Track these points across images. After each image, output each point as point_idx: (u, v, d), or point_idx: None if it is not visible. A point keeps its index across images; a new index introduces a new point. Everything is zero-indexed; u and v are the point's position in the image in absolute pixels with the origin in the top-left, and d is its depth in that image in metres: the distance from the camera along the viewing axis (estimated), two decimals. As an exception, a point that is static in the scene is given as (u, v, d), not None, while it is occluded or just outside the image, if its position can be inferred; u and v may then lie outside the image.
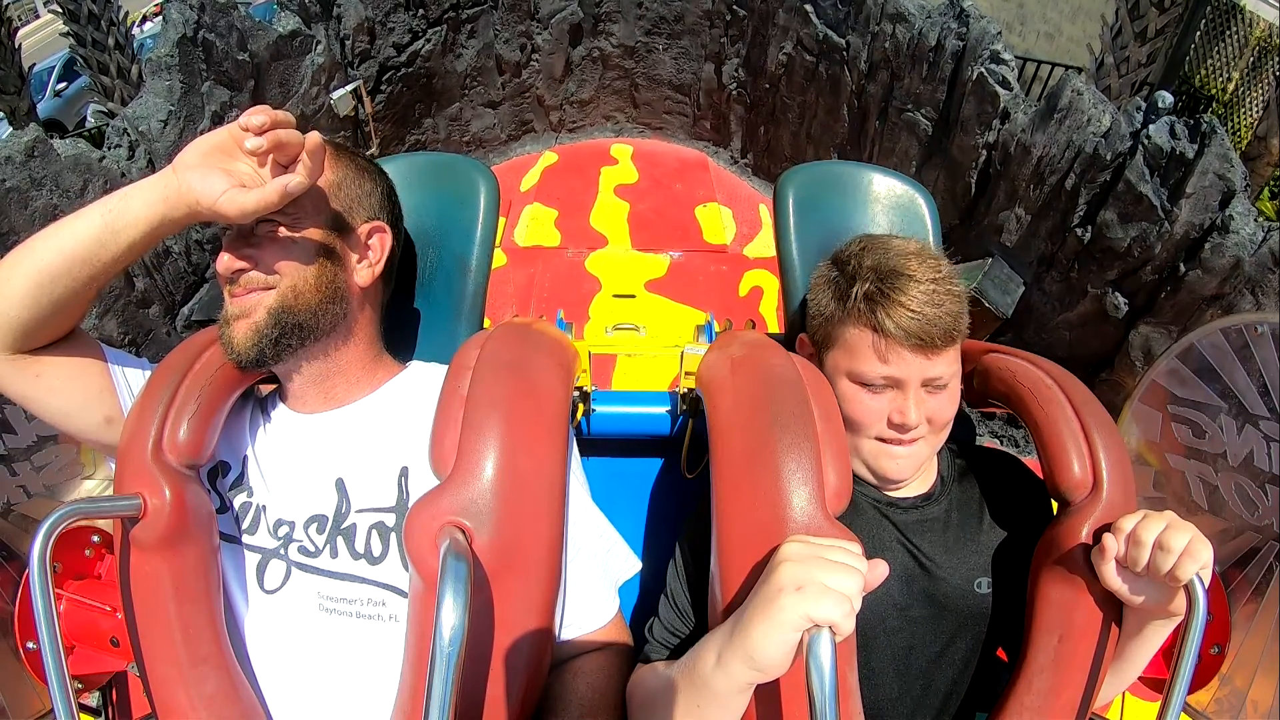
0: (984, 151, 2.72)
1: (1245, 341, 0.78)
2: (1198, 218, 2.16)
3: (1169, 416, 0.82)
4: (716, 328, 1.30)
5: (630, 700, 0.70)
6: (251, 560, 0.73)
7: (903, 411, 0.72)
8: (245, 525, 0.74)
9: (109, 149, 2.38)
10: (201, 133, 2.70)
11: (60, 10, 4.49)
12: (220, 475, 0.76)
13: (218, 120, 2.68)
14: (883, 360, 0.72)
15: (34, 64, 6.09)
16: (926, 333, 0.70)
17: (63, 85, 7.96)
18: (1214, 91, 5.74)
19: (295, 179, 0.66)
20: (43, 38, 11.85)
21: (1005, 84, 2.60)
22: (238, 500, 0.75)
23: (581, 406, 0.97)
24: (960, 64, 2.70)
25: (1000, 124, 2.64)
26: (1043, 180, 2.51)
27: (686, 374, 0.94)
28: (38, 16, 13.56)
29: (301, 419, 0.78)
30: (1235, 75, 5.59)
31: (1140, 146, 2.21)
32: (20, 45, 5.13)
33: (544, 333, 0.77)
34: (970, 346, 0.84)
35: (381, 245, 0.80)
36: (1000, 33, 2.63)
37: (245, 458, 0.77)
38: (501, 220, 2.97)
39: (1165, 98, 2.27)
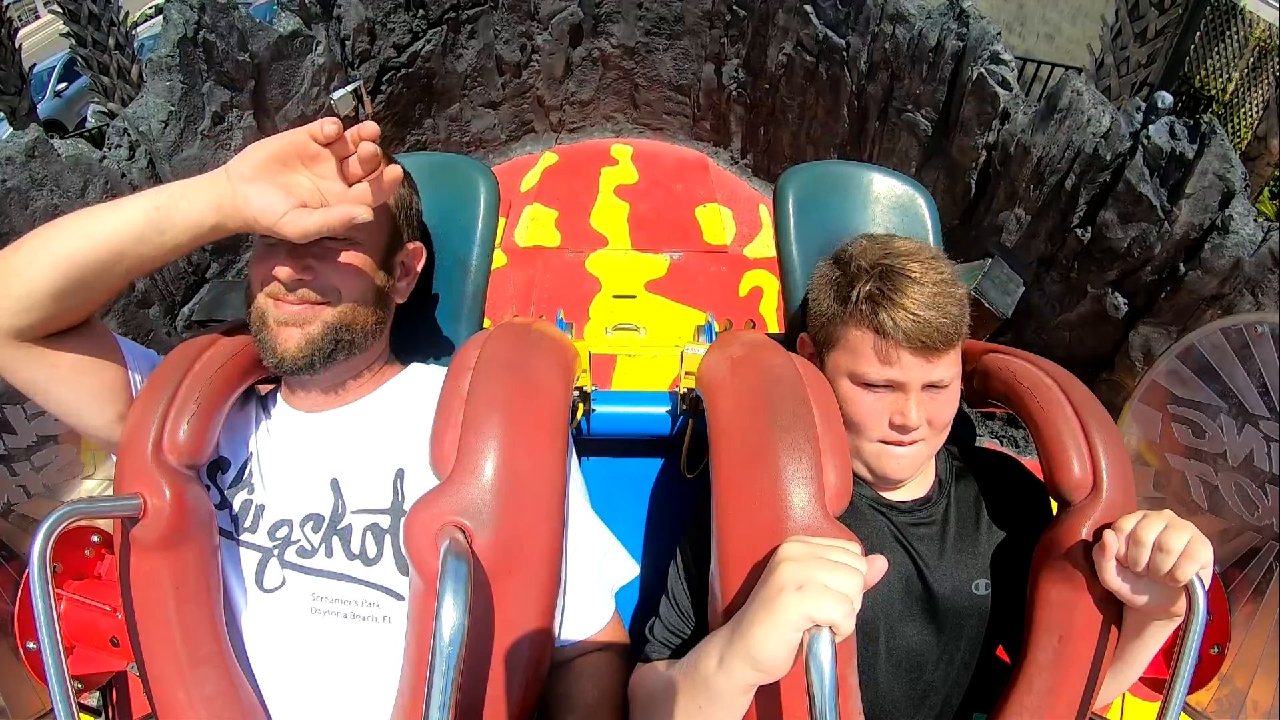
0: (984, 152, 2.72)
1: (1245, 341, 0.78)
2: (1197, 218, 2.16)
3: (1169, 416, 0.82)
4: (716, 328, 1.30)
5: (632, 700, 0.70)
6: (251, 559, 0.73)
7: (904, 413, 0.72)
8: (245, 524, 0.74)
9: (109, 149, 2.37)
10: (202, 134, 2.70)
11: (60, 10, 4.49)
12: (220, 471, 0.76)
13: (218, 120, 2.67)
14: (884, 362, 0.72)
15: (34, 64, 6.06)
16: (928, 335, 0.70)
17: (63, 86, 7.96)
18: (1214, 92, 5.73)
19: (363, 212, 0.64)
20: (43, 38, 11.84)
21: (1005, 84, 2.59)
22: (238, 498, 0.75)
23: (581, 406, 0.97)
24: (960, 64, 2.70)
25: (1000, 124, 2.64)
26: (1042, 180, 2.51)
27: (686, 374, 0.94)
28: (38, 17, 13.55)
29: (300, 417, 0.78)
30: (1235, 76, 5.58)
31: (1140, 147, 2.21)
32: (21, 45, 5.13)
33: (544, 333, 0.77)
34: (970, 347, 0.84)
35: (418, 264, 0.83)
36: (1000, 33, 2.63)
37: (246, 455, 0.77)
38: (502, 220, 2.97)
39: (1165, 98, 2.27)
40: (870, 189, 1.02)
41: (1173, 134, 2.16)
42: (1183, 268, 2.21)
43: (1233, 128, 5.60)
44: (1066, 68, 5.00)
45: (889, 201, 1.02)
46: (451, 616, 0.48)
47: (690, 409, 0.95)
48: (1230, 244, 2.09)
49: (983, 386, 0.83)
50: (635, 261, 3.12)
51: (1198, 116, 2.15)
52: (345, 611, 0.70)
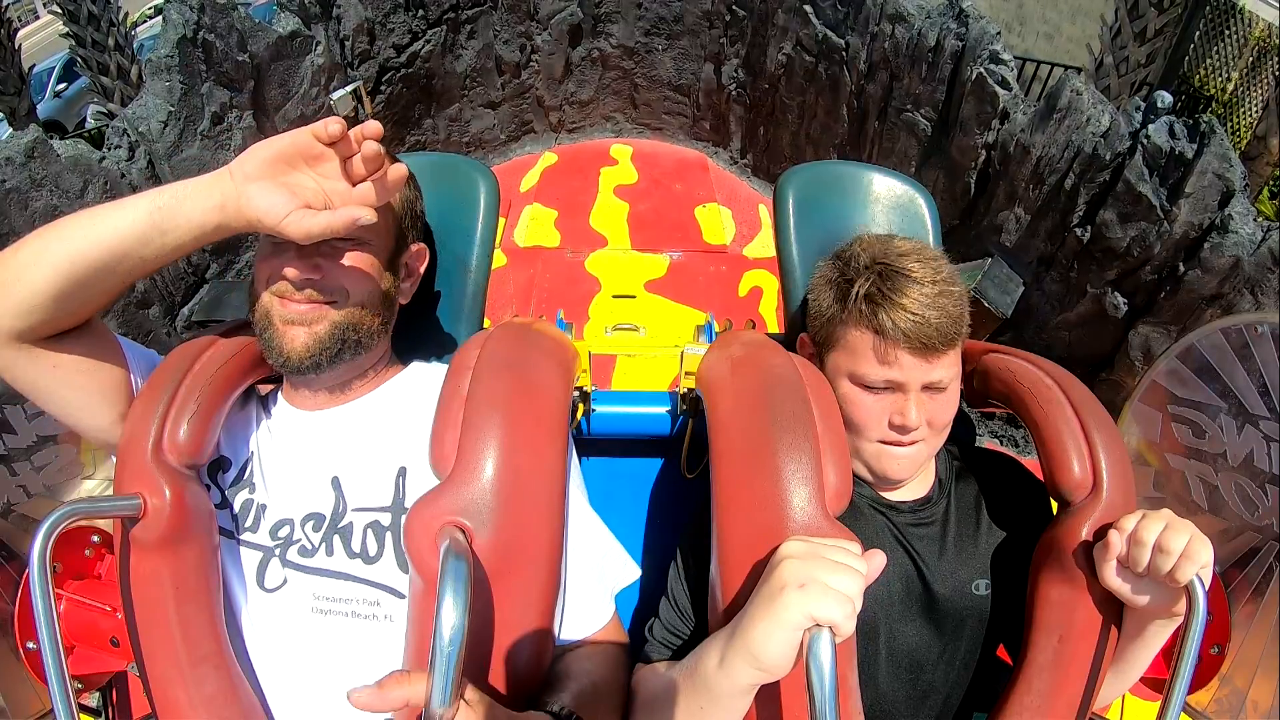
0: (983, 152, 2.72)
1: (1245, 341, 0.78)
2: (1197, 217, 2.16)
3: (1169, 416, 0.82)
4: (716, 328, 1.30)
5: (632, 700, 0.70)
6: (252, 559, 0.73)
7: (903, 413, 0.72)
8: (247, 524, 0.74)
9: (109, 149, 2.37)
10: (201, 134, 2.69)
11: (60, 11, 4.49)
12: (221, 470, 0.76)
13: (218, 121, 2.67)
14: (884, 363, 0.72)
15: (34, 65, 6.02)
16: (927, 336, 0.70)
17: (62, 86, 7.96)
18: (1213, 91, 5.71)
19: (367, 214, 0.63)
20: (42, 39, 11.84)
21: (1004, 84, 2.59)
22: (239, 498, 0.75)
23: (581, 406, 0.97)
24: (959, 64, 2.70)
25: (999, 124, 2.64)
26: (1042, 180, 2.51)
27: (686, 374, 0.94)
28: (37, 17, 13.55)
29: (302, 416, 0.78)
30: (1234, 75, 5.56)
31: (1139, 146, 2.21)
32: (20, 46, 5.13)
33: (544, 332, 0.77)
34: (970, 346, 0.84)
35: (422, 265, 0.83)
36: (1000, 33, 2.63)
37: (247, 455, 0.77)
38: (501, 221, 2.97)
39: (1164, 97, 2.27)
40: (870, 189, 1.02)
41: (1172, 133, 2.17)
42: (1182, 267, 2.22)
43: (1232, 127, 5.59)
44: (1066, 67, 5.00)
45: (889, 201, 1.02)
46: (451, 616, 0.48)
47: (690, 409, 0.95)
48: (1230, 243, 2.09)
49: (983, 386, 0.83)
50: (635, 261, 3.12)
51: (1197, 116, 2.15)
52: (347, 610, 0.70)
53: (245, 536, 0.74)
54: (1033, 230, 2.61)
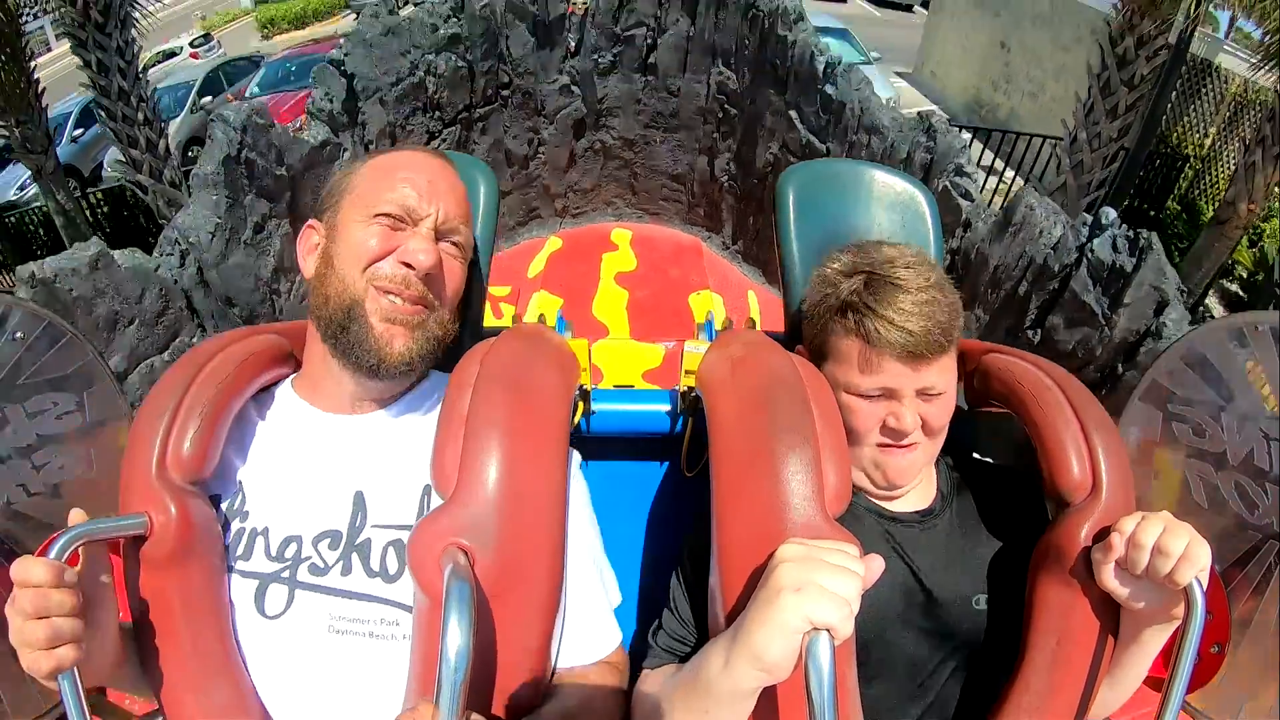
0: (948, 257, 2.92)
1: (1246, 340, 0.77)
2: (1134, 324, 2.27)
3: (1169, 416, 0.80)
4: (717, 326, 1.29)
5: (636, 708, 0.68)
6: (248, 587, 0.70)
7: (898, 416, 0.71)
8: (239, 552, 0.71)
9: (162, 257, 2.48)
10: (245, 242, 2.82)
11: (91, 84, 4.69)
12: (213, 507, 0.73)
13: (259, 229, 2.76)
14: (874, 371, 0.71)
15: (47, 104, 5.90)
16: (914, 344, 0.69)
17: (79, 131, 8.05)
18: (1190, 150, 5.80)
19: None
20: (54, 71, 11.29)
21: (967, 195, 2.82)
22: (231, 529, 0.72)
23: (581, 406, 0.95)
24: (928, 176, 2.90)
25: (963, 232, 2.85)
26: (1000, 286, 2.66)
27: (686, 373, 0.92)
28: (50, 49, 13.12)
29: (326, 419, 0.76)
30: (1212, 131, 5.61)
31: (1085, 259, 2.40)
32: (47, 106, 5.23)
33: (545, 342, 0.78)
34: (970, 346, 0.84)
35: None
36: (965, 146, 2.86)
37: (240, 481, 0.74)
38: (512, 307, 3.08)
39: (1109, 214, 2.51)
40: (870, 187, 0.99)
41: (1114, 247, 2.37)
42: (1121, 368, 2.34)
43: (1209, 181, 5.61)
44: (1045, 138, 5.22)
45: (890, 199, 0.99)
46: (457, 639, 0.49)
47: (690, 408, 0.93)
48: (1162, 348, 2.20)
49: (983, 386, 0.81)
50: (634, 351, 3.18)
51: (1137, 231, 2.38)
52: (364, 631, 0.67)
53: (239, 566, 0.70)
54: (992, 329, 2.74)
